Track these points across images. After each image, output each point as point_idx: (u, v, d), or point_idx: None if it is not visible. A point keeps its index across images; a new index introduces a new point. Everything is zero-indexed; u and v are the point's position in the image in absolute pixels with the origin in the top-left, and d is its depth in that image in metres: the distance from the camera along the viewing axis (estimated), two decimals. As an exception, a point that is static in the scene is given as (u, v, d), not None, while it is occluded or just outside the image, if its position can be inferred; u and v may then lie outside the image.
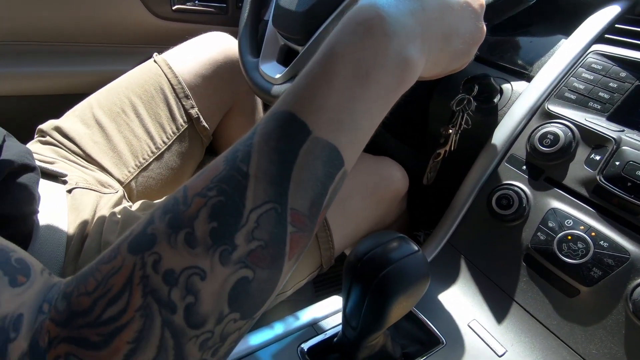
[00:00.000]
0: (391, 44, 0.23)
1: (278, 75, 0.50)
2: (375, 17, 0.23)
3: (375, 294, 0.27)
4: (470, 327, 0.41)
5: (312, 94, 0.21)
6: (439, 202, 0.71)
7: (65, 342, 0.16)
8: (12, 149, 0.40)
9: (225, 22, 0.81)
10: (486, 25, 0.30)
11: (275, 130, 0.21)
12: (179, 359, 0.17)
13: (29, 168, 0.40)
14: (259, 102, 0.78)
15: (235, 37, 0.73)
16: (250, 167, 0.20)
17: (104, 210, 0.46)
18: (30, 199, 0.39)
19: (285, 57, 0.53)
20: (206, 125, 0.65)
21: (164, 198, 0.20)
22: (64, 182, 0.47)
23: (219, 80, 0.67)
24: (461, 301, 0.43)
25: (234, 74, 0.69)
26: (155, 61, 0.63)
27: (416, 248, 0.29)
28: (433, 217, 0.63)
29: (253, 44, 0.58)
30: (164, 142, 0.61)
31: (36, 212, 0.40)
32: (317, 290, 0.72)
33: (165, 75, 0.62)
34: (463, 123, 0.47)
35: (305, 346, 0.35)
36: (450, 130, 0.49)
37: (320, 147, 0.21)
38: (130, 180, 0.56)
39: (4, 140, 0.39)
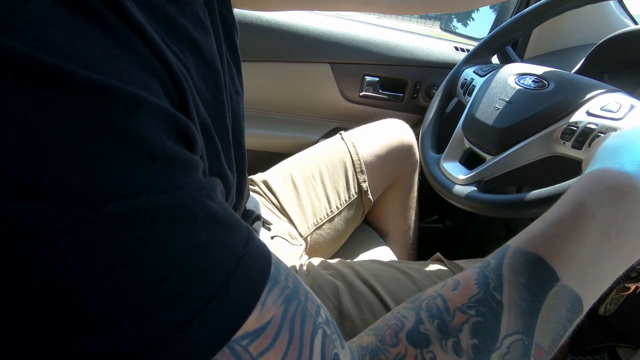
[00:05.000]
0: None
1: (461, 177, 0.55)
2: (628, 186, 0.26)
3: None
4: None
5: (563, 245, 0.25)
6: (614, 335, 0.63)
7: None
8: (251, 200, 0.53)
9: (400, 108, 0.92)
10: None
11: (525, 269, 0.25)
12: None
13: (259, 217, 0.53)
14: (416, 181, 0.85)
15: (408, 123, 0.82)
16: (503, 296, 0.24)
17: (294, 261, 0.56)
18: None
19: (468, 159, 0.58)
20: (371, 197, 0.74)
21: (420, 300, 0.26)
22: (269, 229, 0.59)
23: (389, 160, 0.76)
24: None
25: (403, 156, 0.78)
26: (342, 138, 0.76)
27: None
28: (600, 348, 0.56)
29: (434, 141, 0.65)
30: (337, 207, 0.71)
31: None
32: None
33: (349, 152, 0.73)
34: (666, 265, 0.44)
35: None
36: (646, 267, 0.46)
37: (566, 294, 0.24)
38: (307, 236, 0.67)
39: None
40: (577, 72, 0.66)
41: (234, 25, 0.39)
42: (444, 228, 1.11)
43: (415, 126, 0.90)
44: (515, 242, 0.27)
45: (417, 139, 0.76)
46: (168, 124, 0.17)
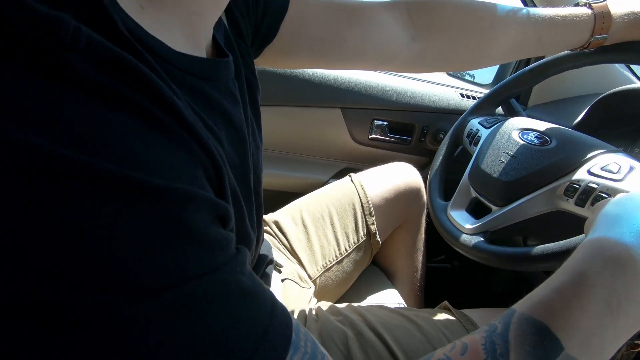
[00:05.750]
0: None
1: (468, 226, 0.56)
2: (628, 257, 0.27)
3: None
4: None
5: (566, 314, 0.26)
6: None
7: None
8: (265, 244, 0.55)
9: (408, 150, 0.95)
10: None
11: (530, 336, 0.26)
12: None
13: (271, 261, 0.54)
14: (424, 223, 0.86)
15: (415, 165, 0.85)
16: None
17: (303, 305, 0.57)
18: (269, 286, 0.52)
19: (475, 208, 0.60)
20: (379, 240, 0.75)
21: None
22: (279, 272, 0.61)
23: (397, 202, 0.78)
24: None
25: (410, 199, 0.80)
26: (352, 181, 0.78)
27: None
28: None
29: (441, 188, 0.67)
30: (346, 249, 0.72)
31: None
32: None
33: (358, 195, 0.75)
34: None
35: None
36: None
37: None
38: (316, 278, 0.68)
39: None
40: (576, 124, 0.69)
41: (257, 86, 0.43)
42: (452, 268, 1.11)
43: (422, 168, 0.92)
44: (521, 307, 0.28)
45: (425, 182, 0.78)
46: (210, 210, 0.20)
